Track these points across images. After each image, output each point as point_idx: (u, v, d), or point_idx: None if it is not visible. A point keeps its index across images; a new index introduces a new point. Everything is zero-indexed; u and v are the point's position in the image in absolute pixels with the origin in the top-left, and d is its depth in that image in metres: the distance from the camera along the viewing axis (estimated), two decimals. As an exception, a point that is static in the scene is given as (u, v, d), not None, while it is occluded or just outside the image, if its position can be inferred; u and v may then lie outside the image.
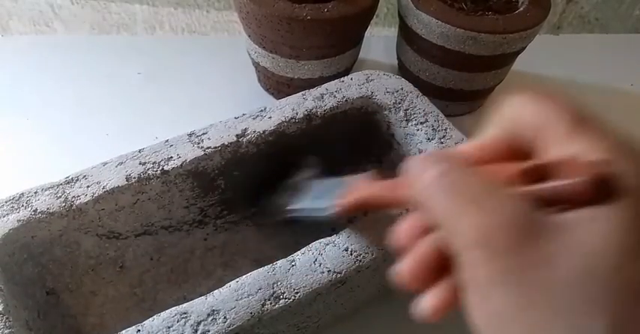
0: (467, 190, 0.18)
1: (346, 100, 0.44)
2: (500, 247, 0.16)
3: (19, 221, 0.35)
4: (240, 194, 0.45)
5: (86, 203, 0.36)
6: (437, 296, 0.19)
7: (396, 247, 0.21)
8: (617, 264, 0.15)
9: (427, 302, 0.20)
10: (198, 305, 0.31)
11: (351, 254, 0.34)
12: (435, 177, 0.18)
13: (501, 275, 0.16)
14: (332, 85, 0.45)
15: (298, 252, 0.34)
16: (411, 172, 0.20)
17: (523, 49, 0.56)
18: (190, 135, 0.41)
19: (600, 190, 0.16)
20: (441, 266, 0.19)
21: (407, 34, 0.58)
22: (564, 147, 0.18)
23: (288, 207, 0.32)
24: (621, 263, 0.15)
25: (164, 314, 0.31)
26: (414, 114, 0.44)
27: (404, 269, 0.20)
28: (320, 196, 0.31)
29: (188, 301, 0.31)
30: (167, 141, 0.40)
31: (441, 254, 0.19)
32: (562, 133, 0.18)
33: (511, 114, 0.20)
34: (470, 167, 0.19)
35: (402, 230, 0.21)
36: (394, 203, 0.24)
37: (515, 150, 0.20)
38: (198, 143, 0.40)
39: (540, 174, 0.18)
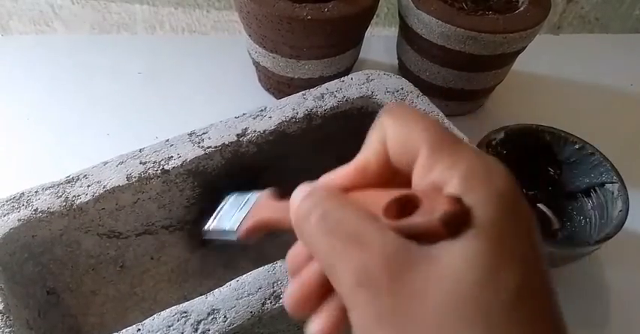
0: (344, 231, 0.18)
1: (346, 100, 0.44)
2: (380, 286, 0.16)
3: (19, 220, 0.35)
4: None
5: (87, 202, 0.36)
6: (323, 320, 0.20)
7: (289, 271, 0.22)
8: (480, 283, 0.16)
9: (315, 326, 0.20)
10: (198, 305, 0.31)
11: (352, 254, 0.34)
12: (314, 222, 0.19)
13: (383, 315, 0.16)
14: (332, 85, 0.45)
15: (299, 252, 0.34)
16: (294, 210, 0.20)
17: (523, 48, 0.56)
18: (191, 134, 0.41)
19: (450, 227, 0.16)
20: (325, 290, 0.19)
21: (407, 34, 0.58)
22: (426, 174, 0.18)
23: (204, 229, 0.32)
24: (483, 282, 0.16)
25: (164, 313, 0.31)
26: (415, 113, 0.44)
27: (289, 296, 0.20)
28: (226, 217, 0.30)
29: (188, 301, 0.32)
30: (167, 140, 0.40)
31: (325, 279, 0.19)
32: (423, 159, 0.18)
33: (381, 136, 0.21)
34: (346, 201, 0.19)
35: (293, 254, 0.22)
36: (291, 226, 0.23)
37: (395, 171, 0.20)
38: (199, 142, 0.40)
39: (410, 203, 0.18)
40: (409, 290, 0.16)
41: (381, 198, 0.19)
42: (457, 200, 0.17)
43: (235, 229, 0.28)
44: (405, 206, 0.18)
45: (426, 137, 0.19)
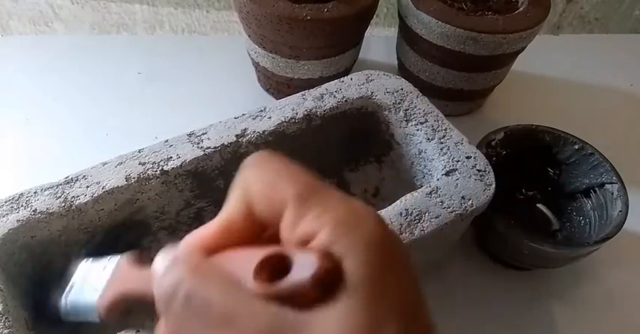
0: (211, 313, 0.17)
1: (346, 100, 0.44)
2: None
3: (18, 221, 0.35)
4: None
5: (86, 203, 0.36)
6: None
7: None
8: None
9: None
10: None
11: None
12: (179, 307, 0.17)
13: None
14: (332, 85, 0.45)
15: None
16: (157, 289, 0.19)
17: (523, 49, 0.56)
18: (190, 135, 0.41)
19: (323, 286, 0.16)
20: None
21: (407, 34, 0.58)
22: (295, 227, 0.18)
23: (59, 304, 0.26)
24: None
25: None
26: (414, 114, 0.44)
27: None
28: (82, 290, 0.25)
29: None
30: (167, 141, 0.40)
31: None
32: (290, 213, 0.18)
33: (243, 193, 0.20)
34: (211, 273, 0.18)
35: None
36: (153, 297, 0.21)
37: (263, 225, 0.20)
38: (198, 143, 0.40)
39: (281, 261, 0.17)
40: None
41: (249, 259, 0.18)
42: (326, 255, 0.16)
43: (95, 304, 0.24)
44: (276, 265, 0.17)
45: (291, 190, 0.18)
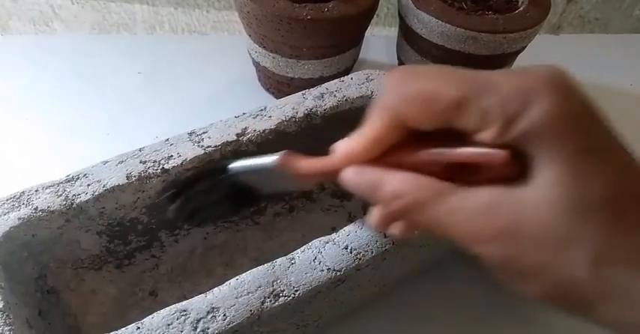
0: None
1: (346, 100, 0.44)
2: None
3: (19, 219, 0.35)
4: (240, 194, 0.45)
5: (87, 201, 0.36)
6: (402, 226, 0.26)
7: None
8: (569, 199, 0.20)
9: (395, 229, 0.26)
10: (197, 303, 0.31)
11: (351, 253, 0.34)
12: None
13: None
14: (332, 85, 0.45)
15: (298, 250, 0.34)
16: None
17: (523, 48, 0.56)
18: (191, 134, 0.41)
19: (516, 160, 0.20)
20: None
21: (407, 34, 0.58)
22: (473, 129, 0.20)
23: (230, 166, 0.27)
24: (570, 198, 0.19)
25: (164, 311, 0.31)
26: (414, 113, 0.44)
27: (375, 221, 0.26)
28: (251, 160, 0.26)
29: (188, 299, 0.31)
30: (167, 140, 0.40)
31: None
32: (465, 119, 0.20)
33: (392, 112, 0.22)
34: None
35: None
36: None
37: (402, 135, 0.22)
38: (199, 142, 0.40)
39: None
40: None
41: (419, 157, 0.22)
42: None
43: (273, 161, 0.25)
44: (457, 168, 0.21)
45: (452, 96, 0.20)
